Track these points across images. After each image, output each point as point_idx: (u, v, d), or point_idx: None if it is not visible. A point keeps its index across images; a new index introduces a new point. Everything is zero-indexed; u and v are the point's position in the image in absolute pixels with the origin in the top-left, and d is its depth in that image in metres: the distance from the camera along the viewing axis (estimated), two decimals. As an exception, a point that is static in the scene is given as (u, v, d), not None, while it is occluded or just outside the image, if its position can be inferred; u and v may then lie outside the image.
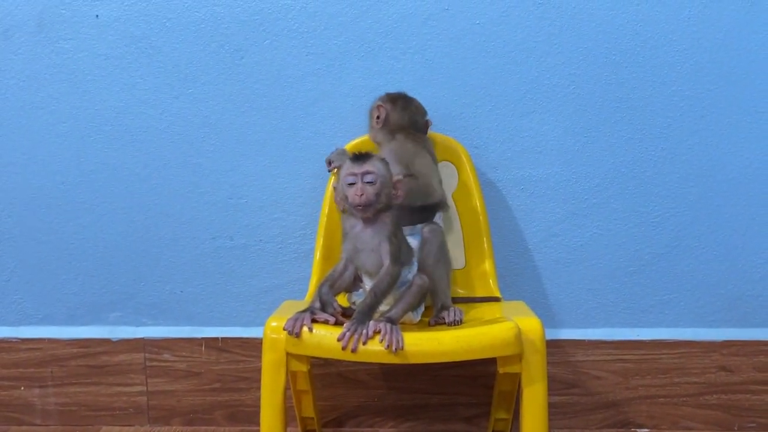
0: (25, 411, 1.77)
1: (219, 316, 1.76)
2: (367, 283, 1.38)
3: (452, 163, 1.65)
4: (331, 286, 1.37)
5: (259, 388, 1.35)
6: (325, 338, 1.27)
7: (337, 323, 1.30)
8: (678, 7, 1.66)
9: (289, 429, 1.41)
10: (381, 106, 1.57)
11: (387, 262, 1.33)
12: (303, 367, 1.34)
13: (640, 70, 1.68)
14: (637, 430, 1.75)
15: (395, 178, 1.37)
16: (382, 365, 1.72)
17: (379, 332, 1.26)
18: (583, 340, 1.73)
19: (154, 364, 1.75)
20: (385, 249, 1.34)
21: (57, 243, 1.74)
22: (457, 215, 1.64)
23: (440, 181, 1.56)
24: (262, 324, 1.33)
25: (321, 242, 1.62)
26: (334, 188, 1.47)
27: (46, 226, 1.74)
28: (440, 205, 1.54)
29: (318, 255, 1.62)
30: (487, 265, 1.62)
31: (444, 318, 1.43)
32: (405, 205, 1.43)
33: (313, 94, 1.69)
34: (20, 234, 1.74)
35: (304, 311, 1.31)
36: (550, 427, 1.40)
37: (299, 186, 1.71)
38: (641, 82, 1.68)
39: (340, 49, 1.68)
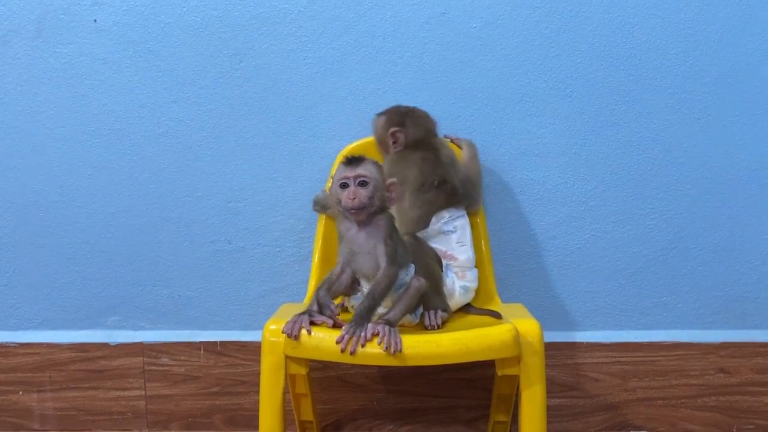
0: (23, 416, 1.77)
1: (217, 320, 1.75)
2: (365, 286, 1.38)
3: (451, 165, 1.65)
4: (328, 289, 1.37)
5: (257, 392, 1.35)
6: (324, 341, 1.27)
7: (336, 326, 1.30)
8: (674, 10, 1.67)
9: (287, 432, 1.41)
10: (396, 132, 1.56)
11: (383, 264, 1.33)
12: (302, 371, 1.34)
13: (637, 73, 1.68)
14: (636, 432, 1.76)
15: (388, 180, 1.37)
16: (380, 368, 1.72)
17: (378, 334, 1.26)
18: (582, 343, 1.73)
19: (153, 368, 1.75)
20: (381, 251, 1.34)
21: (55, 247, 1.74)
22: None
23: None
24: (260, 327, 1.33)
25: (319, 245, 1.63)
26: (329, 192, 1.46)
27: (44, 230, 1.73)
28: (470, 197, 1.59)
29: (316, 258, 1.62)
30: (486, 268, 1.62)
31: (423, 321, 1.43)
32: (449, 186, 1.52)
33: (311, 98, 1.70)
34: (18, 238, 1.74)
35: (302, 314, 1.31)
36: (549, 429, 1.40)
37: (297, 189, 1.71)
38: (638, 85, 1.69)
39: (338, 53, 1.68)
